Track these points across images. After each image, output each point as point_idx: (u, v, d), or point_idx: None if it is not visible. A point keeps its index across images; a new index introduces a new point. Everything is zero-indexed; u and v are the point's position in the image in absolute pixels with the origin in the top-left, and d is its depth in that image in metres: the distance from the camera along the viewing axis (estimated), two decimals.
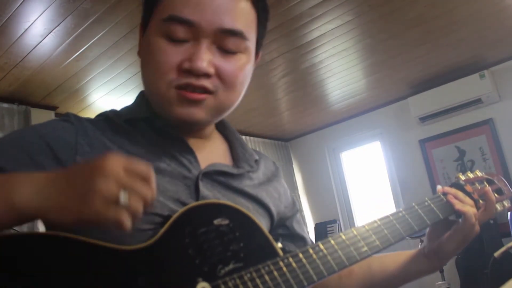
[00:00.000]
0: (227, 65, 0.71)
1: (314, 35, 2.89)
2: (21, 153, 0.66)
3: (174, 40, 0.69)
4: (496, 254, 1.54)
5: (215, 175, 0.77)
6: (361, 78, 3.84)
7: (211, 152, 0.82)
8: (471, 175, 1.05)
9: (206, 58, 0.69)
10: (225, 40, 0.70)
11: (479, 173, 1.06)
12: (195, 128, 0.79)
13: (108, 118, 0.77)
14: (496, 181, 1.06)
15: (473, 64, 3.86)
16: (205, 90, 0.70)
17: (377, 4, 2.62)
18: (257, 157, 0.88)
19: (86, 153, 0.69)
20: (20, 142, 0.67)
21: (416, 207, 0.87)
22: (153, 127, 0.77)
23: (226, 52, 0.71)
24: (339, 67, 3.48)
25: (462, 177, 1.03)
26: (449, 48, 3.47)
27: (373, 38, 3.08)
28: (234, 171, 0.80)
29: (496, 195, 1.02)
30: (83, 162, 0.58)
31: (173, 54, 0.69)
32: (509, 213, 3.27)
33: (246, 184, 0.82)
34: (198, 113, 0.71)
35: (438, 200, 0.92)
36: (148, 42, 0.72)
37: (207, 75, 0.69)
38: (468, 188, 0.98)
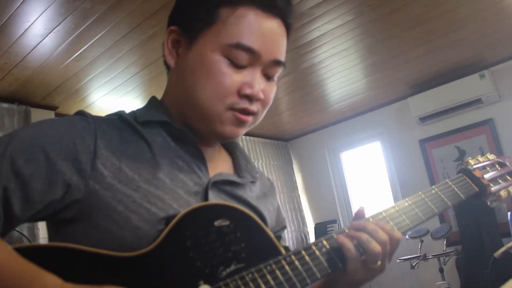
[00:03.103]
0: (269, 90, 0.79)
1: (314, 35, 2.89)
2: (39, 153, 0.64)
3: (237, 66, 0.74)
4: (496, 254, 1.54)
5: (222, 185, 0.79)
6: (361, 78, 3.84)
7: (217, 161, 0.85)
8: (481, 159, 1.01)
9: (261, 86, 0.76)
10: (272, 69, 0.78)
11: (490, 157, 1.03)
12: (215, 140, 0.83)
13: (123, 117, 0.76)
14: (508, 164, 1.02)
15: (473, 64, 3.86)
16: (252, 113, 0.77)
17: (377, 4, 2.62)
18: (258, 171, 0.91)
19: (104, 157, 0.68)
20: (38, 140, 0.65)
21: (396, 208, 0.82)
22: (169, 131, 0.77)
23: (268, 78, 0.79)
24: (339, 67, 3.48)
25: (472, 162, 0.99)
26: (449, 48, 3.47)
27: (373, 38, 3.07)
28: (239, 180, 0.82)
29: (508, 177, 0.99)
30: None
31: (235, 79, 0.74)
32: (509, 213, 3.27)
33: (248, 195, 0.83)
34: (241, 132, 0.78)
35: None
36: (206, 60, 0.74)
37: (258, 100, 0.77)
38: (477, 173, 0.95)
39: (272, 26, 0.76)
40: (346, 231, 0.74)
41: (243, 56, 0.73)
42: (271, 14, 0.76)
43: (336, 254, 0.70)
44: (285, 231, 0.95)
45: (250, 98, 0.75)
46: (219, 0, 0.75)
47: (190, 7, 0.78)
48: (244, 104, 0.74)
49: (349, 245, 0.70)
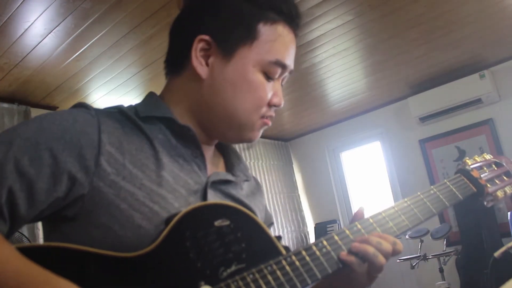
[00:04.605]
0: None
1: (314, 35, 2.89)
2: (44, 150, 0.63)
3: (269, 78, 0.80)
4: (496, 254, 1.54)
5: (218, 184, 0.79)
6: (361, 78, 3.84)
7: (213, 160, 0.86)
8: (478, 159, 1.02)
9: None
10: (285, 77, 0.85)
11: (487, 156, 1.03)
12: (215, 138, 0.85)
13: (123, 112, 0.76)
14: (504, 164, 1.03)
15: (473, 64, 3.86)
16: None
17: (378, 4, 2.62)
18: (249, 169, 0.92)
19: (108, 153, 0.67)
20: (42, 137, 0.64)
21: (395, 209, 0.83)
22: (170, 128, 0.77)
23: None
24: (339, 67, 3.48)
25: (469, 162, 0.99)
26: (449, 48, 3.46)
27: (373, 38, 3.07)
28: (233, 178, 0.83)
29: (505, 178, 1.00)
30: None
31: (269, 91, 0.80)
32: (509, 213, 3.27)
33: (240, 194, 0.84)
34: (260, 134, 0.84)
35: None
36: (248, 75, 0.78)
37: None
38: (475, 173, 0.96)
39: (293, 39, 0.83)
40: (347, 232, 0.74)
41: (278, 70, 0.80)
42: (293, 28, 0.83)
43: (336, 254, 0.70)
44: (272, 227, 0.96)
45: (276, 107, 0.82)
46: (258, 15, 0.78)
47: (226, 20, 0.79)
48: (272, 112, 0.82)
49: (355, 262, 0.70)
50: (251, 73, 0.77)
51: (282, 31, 0.80)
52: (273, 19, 0.79)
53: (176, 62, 0.83)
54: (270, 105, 0.80)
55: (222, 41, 0.78)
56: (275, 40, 0.79)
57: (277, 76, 0.80)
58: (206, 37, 0.78)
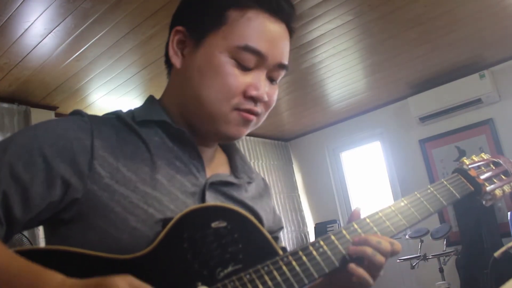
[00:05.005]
0: (272, 92, 0.80)
1: (314, 35, 2.89)
2: (37, 156, 0.64)
3: (243, 67, 0.75)
4: (496, 254, 1.54)
5: (218, 185, 0.79)
6: (361, 78, 3.84)
7: (214, 162, 0.85)
8: (476, 159, 1.02)
9: (266, 88, 0.77)
10: (276, 72, 0.79)
11: (484, 156, 1.03)
12: (213, 140, 0.83)
13: (120, 117, 0.76)
14: (502, 163, 1.02)
15: (473, 64, 3.86)
16: (256, 113, 0.78)
17: (377, 4, 2.62)
18: (254, 171, 0.91)
19: (101, 158, 0.68)
20: (35, 143, 0.65)
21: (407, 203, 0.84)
22: (167, 131, 0.77)
23: (271, 81, 0.80)
24: (339, 67, 3.48)
25: (467, 161, 1.00)
26: (449, 48, 3.46)
27: (373, 38, 3.07)
28: (235, 180, 0.82)
29: (503, 177, 1.00)
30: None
31: (241, 80, 0.74)
32: (509, 213, 3.27)
33: (244, 196, 0.83)
34: (244, 132, 0.79)
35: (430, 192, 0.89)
36: (214, 61, 0.74)
37: (262, 102, 0.78)
38: (472, 172, 0.96)
39: (278, 30, 0.77)
40: (344, 232, 0.75)
41: (250, 58, 0.74)
42: (278, 18, 0.77)
43: (333, 254, 0.70)
44: (282, 231, 0.95)
45: (255, 100, 0.75)
46: (227, 1, 0.75)
47: (197, 8, 0.78)
48: (249, 105, 0.75)
49: (361, 272, 0.71)
50: (217, 58, 0.74)
51: (254, 17, 0.75)
52: (244, 5, 0.75)
53: (167, 60, 0.83)
54: (246, 96, 0.75)
55: (193, 29, 0.77)
56: (246, 26, 0.74)
57: (252, 65, 0.75)
58: (180, 28, 0.78)
